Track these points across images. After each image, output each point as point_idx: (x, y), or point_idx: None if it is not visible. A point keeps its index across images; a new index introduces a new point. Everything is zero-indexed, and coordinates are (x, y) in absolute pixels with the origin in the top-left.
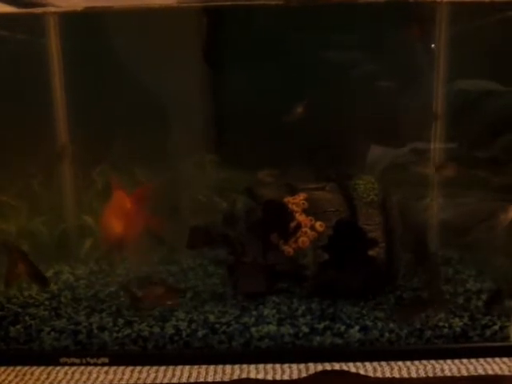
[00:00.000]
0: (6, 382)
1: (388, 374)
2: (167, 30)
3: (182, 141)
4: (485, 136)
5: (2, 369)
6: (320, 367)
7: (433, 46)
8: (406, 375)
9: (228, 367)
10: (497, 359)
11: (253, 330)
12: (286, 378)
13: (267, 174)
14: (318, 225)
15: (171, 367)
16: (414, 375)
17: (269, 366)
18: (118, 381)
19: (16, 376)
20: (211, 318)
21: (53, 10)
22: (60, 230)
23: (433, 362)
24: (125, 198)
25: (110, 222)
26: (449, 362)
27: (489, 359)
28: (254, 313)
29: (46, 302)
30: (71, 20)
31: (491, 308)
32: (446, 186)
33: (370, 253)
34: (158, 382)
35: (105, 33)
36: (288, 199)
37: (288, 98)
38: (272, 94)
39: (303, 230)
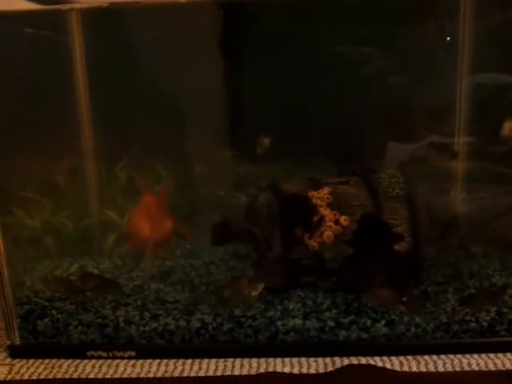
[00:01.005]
0: (36, 374)
1: (415, 369)
2: (187, 25)
3: (202, 136)
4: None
5: (31, 361)
6: (346, 361)
7: (448, 39)
8: (432, 370)
9: (254, 361)
10: None
11: (278, 323)
12: (312, 372)
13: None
14: (343, 219)
15: (197, 360)
16: (440, 370)
17: (295, 360)
18: (145, 374)
19: (45, 369)
20: (237, 311)
21: (78, 6)
22: (84, 224)
23: (460, 356)
24: (154, 202)
25: (142, 227)
26: (476, 356)
27: None
28: (279, 307)
29: (73, 296)
30: (94, 16)
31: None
32: (466, 181)
33: (396, 247)
34: (184, 375)
35: (127, 29)
36: (312, 193)
37: (308, 92)
38: (292, 87)
39: (328, 224)
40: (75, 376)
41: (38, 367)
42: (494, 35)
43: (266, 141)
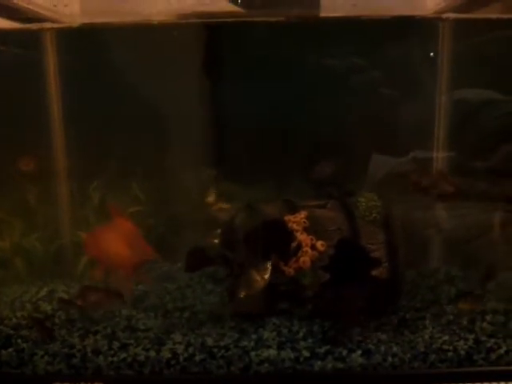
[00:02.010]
0: None
1: None
2: (166, 45)
3: (181, 155)
4: (485, 146)
5: None
6: None
7: (431, 54)
8: None
9: None
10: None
11: (252, 354)
12: None
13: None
14: (319, 244)
15: None
16: None
17: None
18: None
19: None
20: (209, 341)
21: (49, 26)
22: (55, 246)
23: None
24: (129, 226)
25: (118, 251)
26: None
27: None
28: (254, 336)
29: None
30: (68, 35)
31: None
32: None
33: (374, 273)
34: None
35: (101, 48)
36: (289, 218)
37: (288, 113)
38: (273, 108)
39: (304, 249)
40: None
41: None
42: (472, 54)
43: None
